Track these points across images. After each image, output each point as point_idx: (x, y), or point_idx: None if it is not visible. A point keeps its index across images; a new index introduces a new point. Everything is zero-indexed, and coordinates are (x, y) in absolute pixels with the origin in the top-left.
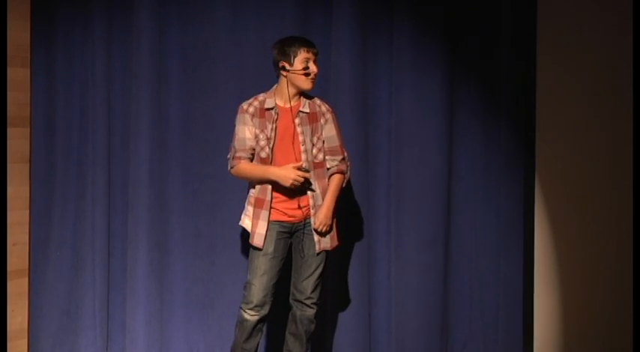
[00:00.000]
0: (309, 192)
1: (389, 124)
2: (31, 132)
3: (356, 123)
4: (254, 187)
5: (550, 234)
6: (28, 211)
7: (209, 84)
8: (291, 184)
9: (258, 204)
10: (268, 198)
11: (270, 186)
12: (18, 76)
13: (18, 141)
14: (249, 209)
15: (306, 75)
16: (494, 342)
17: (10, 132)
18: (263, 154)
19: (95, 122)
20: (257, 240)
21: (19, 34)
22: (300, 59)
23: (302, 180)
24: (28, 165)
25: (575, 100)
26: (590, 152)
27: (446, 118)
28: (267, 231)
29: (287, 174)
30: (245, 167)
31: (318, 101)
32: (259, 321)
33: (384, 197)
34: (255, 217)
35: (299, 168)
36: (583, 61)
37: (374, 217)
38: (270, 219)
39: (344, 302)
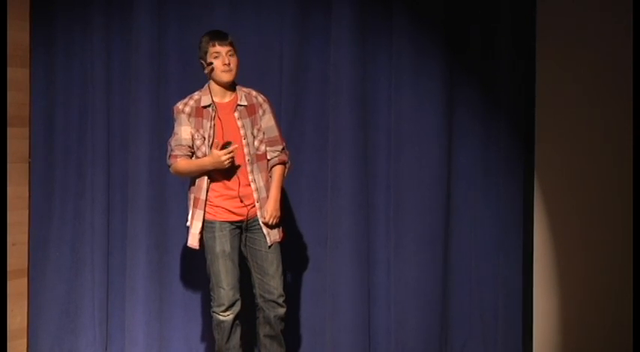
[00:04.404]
0: (252, 187)
1: (388, 124)
2: (30, 132)
3: (355, 123)
4: (194, 184)
5: (549, 233)
6: (27, 211)
7: None
8: (228, 163)
9: (195, 203)
10: (203, 196)
11: (204, 185)
12: (17, 75)
13: (17, 141)
14: (190, 210)
15: (224, 68)
16: (493, 342)
17: (10, 132)
18: (199, 154)
19: (95, 122)
20: (191, 241)
21: (18, 33)
22: (211, 54)
23: (232, 154)
24: (28, 165)
25: (574, 100)
26: (589, 151)
27: (445, 118)
28: (201, 231)
29: (217, 159)
30: (182, 164)
31: (253, 92)
32: (235, 319)
33: (384, 197)
34: (192, 217)
35: (221, 147)
36: (582, 61)
37: (374, 217)
38: (221, 219)
39: (343, 301)
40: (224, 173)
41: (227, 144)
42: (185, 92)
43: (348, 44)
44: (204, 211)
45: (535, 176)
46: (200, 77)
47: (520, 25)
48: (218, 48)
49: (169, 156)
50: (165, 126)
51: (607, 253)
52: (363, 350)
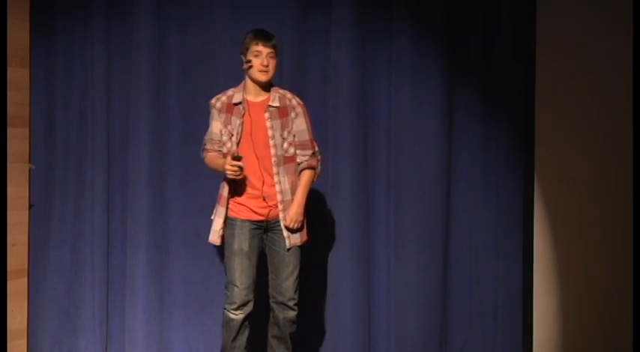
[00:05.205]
0: (277, 188)
1: (388, 124)
2: (30, 132)
3: (355, 123)
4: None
5: (549, 233)
6: (27, 211)
7: (208, 84)
8: (229, 173)
9: (219, 200)
10: (225, 194)
11: (228, 182)
12: (17, 75)
13: (17, 141)
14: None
15: (261, 68)
16: (493, 342)
17: (10, 132)
18: (224, 150)
19: (95, 122)
20: (211, 237)
21: (18, 33)
22: (252, 52)
23: (234, 168)
24: (28, 166)
25: (574, 100)
26: (589, 152)
27: (445, 118)
28: (223, 228)
29: (224, 166)
30: (209, 158)
31: (289, 95)
32: (245, 319)
33: (384, 197)
34: (215, 214)
35: (232, 157)
36: (582, 62)
37: (374, 217)
38: (242, 217)
39: (343, 301)
40: (250, 172)
41: (237, 157)
42: (185, 92)
43: (348, 44)
44: (227, 208)
45: (535, 176)
46: (200, 77)
47: (520, 26)
48: (260, 47)
49: (202, 149)
50: (166, 126)
51: (607, 253)
52: (363, 350)
